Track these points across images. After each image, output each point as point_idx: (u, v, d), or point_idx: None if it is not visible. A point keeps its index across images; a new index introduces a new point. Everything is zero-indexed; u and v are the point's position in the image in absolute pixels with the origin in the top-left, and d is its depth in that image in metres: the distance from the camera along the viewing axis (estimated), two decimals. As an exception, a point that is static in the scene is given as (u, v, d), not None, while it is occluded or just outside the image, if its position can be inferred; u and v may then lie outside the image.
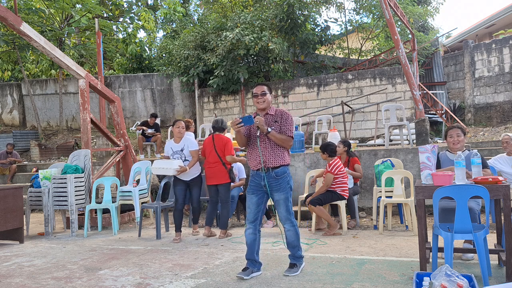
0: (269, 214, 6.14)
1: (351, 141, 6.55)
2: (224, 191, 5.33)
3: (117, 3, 14.71)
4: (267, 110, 3.55)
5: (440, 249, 3.42)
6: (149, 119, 9.56)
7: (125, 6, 14.91)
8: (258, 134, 3.47)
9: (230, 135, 7.10)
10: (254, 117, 3.44)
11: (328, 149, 5.28)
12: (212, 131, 5.59)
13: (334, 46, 13.06)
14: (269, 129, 3.39)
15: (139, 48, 14.36)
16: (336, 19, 13.89)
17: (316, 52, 12.13)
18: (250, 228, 3.57)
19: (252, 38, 9.79)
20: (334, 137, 6.98)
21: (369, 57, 12.77)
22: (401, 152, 6.38)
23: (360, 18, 13.49)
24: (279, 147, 3.47)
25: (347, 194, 5.26)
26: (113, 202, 6.12)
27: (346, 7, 16.31)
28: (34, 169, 9.93)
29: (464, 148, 3.96)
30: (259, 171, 3.49)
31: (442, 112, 10.85)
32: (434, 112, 11.08)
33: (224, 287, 3.32)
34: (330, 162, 5.20)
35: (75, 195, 5.95)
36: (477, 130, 10.71)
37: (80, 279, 3.69)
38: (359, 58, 13.03)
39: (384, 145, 7.71)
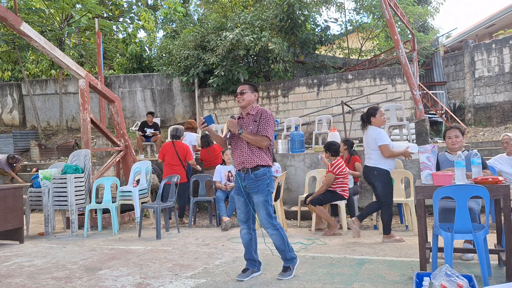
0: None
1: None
2: (182, 189, 6.24)
3: (117, 3, 14.70)
4: (248, 110, 3.51)
5: (440, 249, 3.42)
6: (147, 118, 9.53)
7: (125, 6, 14.91)
8: (228, 136, 3.53)
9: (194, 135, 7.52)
10: (238, 118, 3.54)
11: (332, 149, 5.28)
12: (171, 139, 6.45)
13: (334, 46, 13.06)
14: (240, 131, 3.39)
15: (139, 48, 14.35)
16: (336, 19, 13.88)
17: (316, 52, 12.12)
18: (244, 229, 3.57)
19: (252, 39, 9.79)
20: (334, 137, 6.98)
21: (369, 57, 12.76)
22: (401, 152, 6.36)
23: (360, 18, 13.49)
24: (255, 147, 3.42)
25: (347, 194, 5.26)
26: (113, 202, 6.12)
27: (346, 7, 16.35)
28: (34, 169, 9.91)
29: (464, 148, 3.95)
30: (240, 171, 3.49)
31: (442, 112, 10.85)
32: (434, 112, 11.08)
33: (224, 287, 3.32)
34: (333, 162, 5.20)
35: (75, 195, 5.95)
36: (477, 130, 10.70)
37: (80, 279, 3.69)
38: (359, 58, 13.03)
39: (384, 145, 7.69)
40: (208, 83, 10.86)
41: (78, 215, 6.15)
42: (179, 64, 11.50)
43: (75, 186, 5.96)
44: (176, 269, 3.88)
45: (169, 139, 6.68)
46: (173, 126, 6.64)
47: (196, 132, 7.80)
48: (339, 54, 13.28)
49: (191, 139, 7.28)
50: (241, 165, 3.44)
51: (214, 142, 7.20)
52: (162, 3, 16.47)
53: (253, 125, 3.43)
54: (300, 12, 10.70)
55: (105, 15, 14.83)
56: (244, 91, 3.48)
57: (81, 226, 6.20)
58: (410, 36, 10.22)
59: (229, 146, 3.63)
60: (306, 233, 5.33)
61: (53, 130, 13.35)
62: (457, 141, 3.85)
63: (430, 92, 11.20)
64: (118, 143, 7.20)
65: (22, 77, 13.78)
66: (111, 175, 7.68)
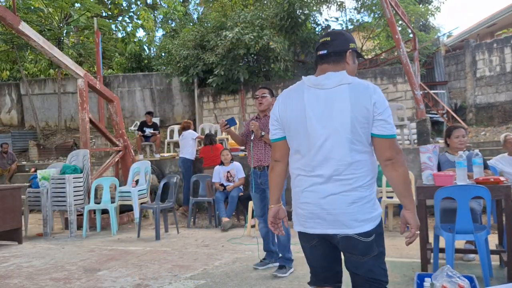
0: None
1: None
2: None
3: (116, 2, 14.69)
4: (267, 112, 3.76)
5: (441, 250, 3.40)
6: (146, 118, 9.49)
7: (124, 5, 14.88)
8: (252, 138, 3.71)
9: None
10: (255, 118, 3.80)
11: None
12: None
13: (335, 46, 13.00)
14: (263, 133, 3.63)
15: (138, 47, 14.32)
16: (337, 18, 13.85)
17: (317, 51, 12.06)
18: (261, 223, 3.81)
19: (252, 37, 9.75)
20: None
21: (370, 57, 12.73)
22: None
23: (361, 17, 13.46)
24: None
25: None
26: (112, 202, 6.10)
27: (347, 6, 16.32)
28: (33, 169, 9.89)
29: (465, 148, 3.90)
30: (255, 169, 3.73)
31: (444, 112, 10.82)
32: (436, 112, 11.04)
33: (223, 288, 3.30)
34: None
35: (74, 196, 5.92)
36: (478, 130, 10.67)
37: (79, 280, 3.67)
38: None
39: (384, 144, 7.65)
40: (208, 82, 10.82)
41: (77, 215, 6.12)
42: (178, 64, 11.46)
43: (74, 187, 5.93)
44: (176, 270, 3.85)
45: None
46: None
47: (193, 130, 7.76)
48: (340, 53, 13.23)
49: (192, 135, 7.28)
50: (258, 163, 3.69)
51: (217, 142, 7.19)
52: (161, 2, 16.45)
53: None
54: (300, 11, 10.66)
55: (104, 14, 14.80)
56: (264, 95, 3.74)
57: (79, 226, 6.16)
58: (411, 35, 10.18)
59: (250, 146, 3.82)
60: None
61: (52, 130, 13.32)
62: (464, 141, 3.79)
63: (431, 91, 11.17)
64: (117, 143, 7.17)
65: (20, 77, 13.75)
66: (110, 175, 7.64)
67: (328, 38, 1.84)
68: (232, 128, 3.74)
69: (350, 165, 1.70)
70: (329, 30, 2.02)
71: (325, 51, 1.82)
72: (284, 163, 1.94)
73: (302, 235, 1.87)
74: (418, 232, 1.84)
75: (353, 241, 1.73)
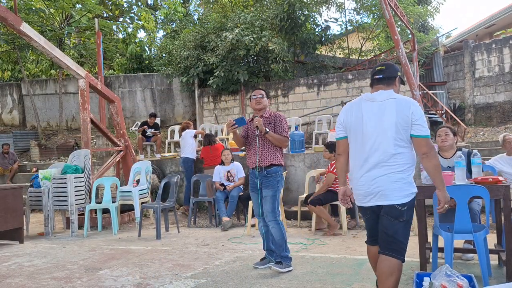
0: None
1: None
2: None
3: (117, 3, 14.71)
4: (262, 113, 3.79)
5: (440, 249, 3.42)
6: (148, 119, 9.56)
7: (125, 6, 14.91)
8: (257, 133, 3.70)
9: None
10: (251, 120, 3.77)
11: (334, 148, 5.15)
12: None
13: (334, 46, 13.04)
14: (267, 130, 3.63)
15: (139, 48, 14.33)
16: (337, 19, 13.90)
17: (316, 52, 12.10)
18: (260, 222, 3.84)
19: (252, 39, 9.78)
20: (334, 137, 6.95)
21: (369, 57, 12.75)
22: (401, 152, 6.35)
23: (361, 18, 13.46)
24: (272, 148, 3.69)
25: (347, 194, 5.24)
26: (113, 202, 6.12)
27: (347, 7, 16.31)
28: (34, 169, 9.92)
29: (456, 148, 3.88)
30: (254, 169, 3.72)
31: (442, 112, 10.84)
32: (434, 112, 11.07)
33: (224, 287, 3.32)
34: (332, 162, 5.19)
35: (75, 195, 5.95)
36: (477, 130, 10.69)
37: (80, 279, 3.69)
38: (359, 58, 13.01)
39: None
40: (208, 83, 10.86)
41: (78, 215, 6.15)
42: (179, 65, 11.48)
43: (75, 186, 5.96)
44: (176, 269, 3.88)
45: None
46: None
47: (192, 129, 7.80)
48: (339, 54, 13.27)
49: (190, 134, 7.34)
50: (256, 163, 3.68)
51: (217, 142, 7.21)
52: (162, 3, 16.48)
53: (269, 127, 3.71)
54: (300, 12, 10.68)
55: (105, 15, 14.83)
56: (262, 95, 3.79)
57: (81, 226, 6.19)
58: (410, 36, 10.21)
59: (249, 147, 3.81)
60: (306, 233, 5.33)
61: (53, 130, 13.34)
62: (447, 139, 3.79)
63: (430, 92, 11.18)
64: (118, 143, 7.20)
65: (22, 77, 13.78)
66: (111, 175, 7.67)
67: (383, 67, 2.56)
68: (241, 128, 3.70)
69: (393, 156, 2.38)
70: (384, 62, 2.51)
71: (381, 76, 2.54)
72: (345, 156, 2.65)
73: (361, 209, 2.61)
74: (447, 205, 2.47)
75: (393, 208, 2.40)
